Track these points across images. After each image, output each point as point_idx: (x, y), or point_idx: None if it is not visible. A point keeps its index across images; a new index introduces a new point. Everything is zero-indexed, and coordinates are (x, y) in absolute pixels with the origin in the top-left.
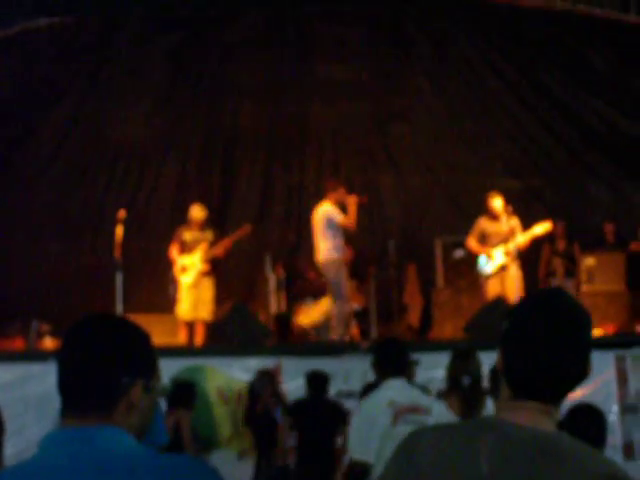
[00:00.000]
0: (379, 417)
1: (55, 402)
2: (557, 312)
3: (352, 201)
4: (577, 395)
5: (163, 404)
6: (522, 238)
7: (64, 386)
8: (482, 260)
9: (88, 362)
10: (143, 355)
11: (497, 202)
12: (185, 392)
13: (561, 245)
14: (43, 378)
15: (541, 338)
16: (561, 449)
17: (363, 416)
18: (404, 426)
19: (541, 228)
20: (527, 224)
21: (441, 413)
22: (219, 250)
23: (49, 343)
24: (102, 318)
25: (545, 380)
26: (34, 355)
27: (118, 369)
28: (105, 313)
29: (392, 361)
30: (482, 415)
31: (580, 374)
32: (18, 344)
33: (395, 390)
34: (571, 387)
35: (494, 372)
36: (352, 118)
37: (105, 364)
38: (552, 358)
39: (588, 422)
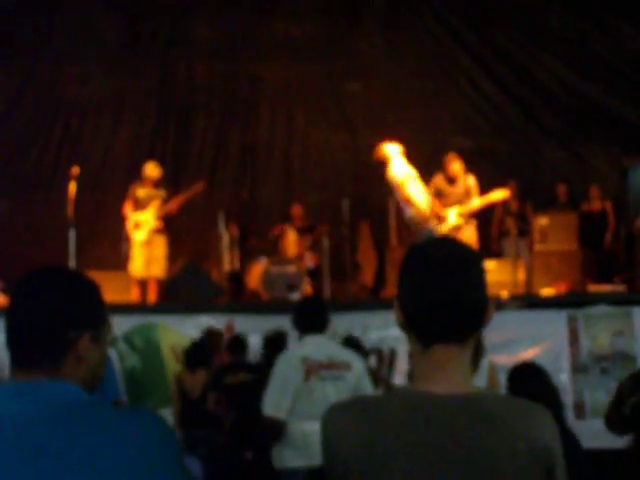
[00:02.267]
0: (291, 373)
1: (4, 357)
2: (446, 248)
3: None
4: (529, 354)
5: None
6: (478, 202)
7: (11, 341)
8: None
9: (33, 315)
10: (91, 306)
11: (455, 165)
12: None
13: (514, 205)
14: None
15: (434, 272)
16: (486, 411)
17: (276, 373)
18: (318, 382)
19: (498, 194)
20: (480, 183)
21: (361, 369)
22: (172, 206)
23: (0, 299)
24: (49, 271)
25: (451, 311)
26: None
27: (64, 321)
28: (53, 266)
29: (310, 318)
30: None
31: (479, 303)
32: None
33: (311, 346)
34: (474, 319)
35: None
36: (306, 77)
37: (51, 317)
38: (454, 285)
39: (530, 381)
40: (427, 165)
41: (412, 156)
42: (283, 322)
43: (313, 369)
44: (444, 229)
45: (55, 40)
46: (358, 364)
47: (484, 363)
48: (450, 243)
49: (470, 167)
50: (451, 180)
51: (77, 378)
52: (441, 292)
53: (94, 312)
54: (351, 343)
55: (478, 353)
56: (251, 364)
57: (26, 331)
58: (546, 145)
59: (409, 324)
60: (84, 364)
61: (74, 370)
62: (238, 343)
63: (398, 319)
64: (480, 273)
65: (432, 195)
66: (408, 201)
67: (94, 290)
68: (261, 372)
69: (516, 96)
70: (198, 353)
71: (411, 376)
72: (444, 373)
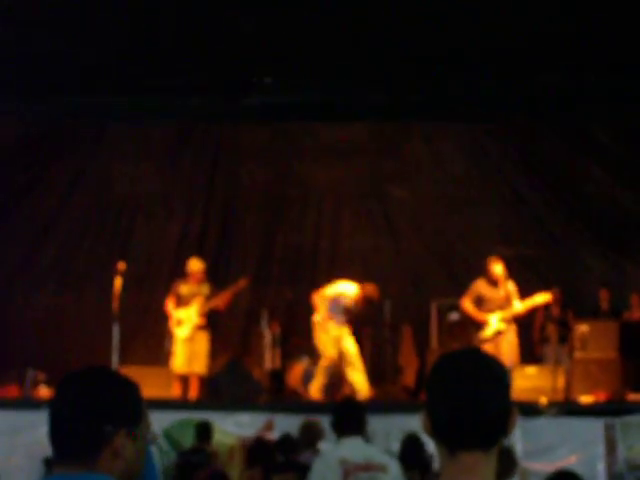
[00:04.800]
0: (329, 475)
1: (47, 450)
2: (474, 359)
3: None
4: (566, 462)
5: None
6: (521, 307)
7: (53, 435)
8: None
9: (72, 412)
10: (128, 403)
11: (498, 267)
12: None
13: (555, 311)
14: (36, 426)
15: (463, 380)
16: None
17: (314, 474)
18: None
19: (541, 298)
20: (521, 290)
21: (398, 472)
22: (219, 303)
23: (44, 392)
24: (90, 370)
25: (475, 419)
26: (28, 403)
27: (101, 418)
28: (94, 366)
29: (348, 420)
30: None
31: (504, 410)
32: (13, 392)
33: (349, 448)
34: (499, 427)
35: (409, 440)
36: (352, 180)
37: (88, 411)
38: (477, 395)
39: None
40: (468, 272)
41: (454, 262)
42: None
43: (350, 471)
44: (487, 334)
45: (106, 139)
46: (394, 467)
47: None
48: (477, 354)
49: (510, 274)
50: (493, 283)
51: (113, 473)
52: (466, 401)
53: (131, 409)
54: (412, 442)
55: (510, 463)
56: (300, 463)
57: (65, 424)
58: (587, 254)
59: (435, 430)
60: (120, 459)
61: (110, 464)
62: (288, 442)
63: (424, 424)
64: (505, 383)
65: (472, 301)
66: None
67: (132, 388)
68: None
69: (556, 204)
70: (259, 450)
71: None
72: (469, 478)
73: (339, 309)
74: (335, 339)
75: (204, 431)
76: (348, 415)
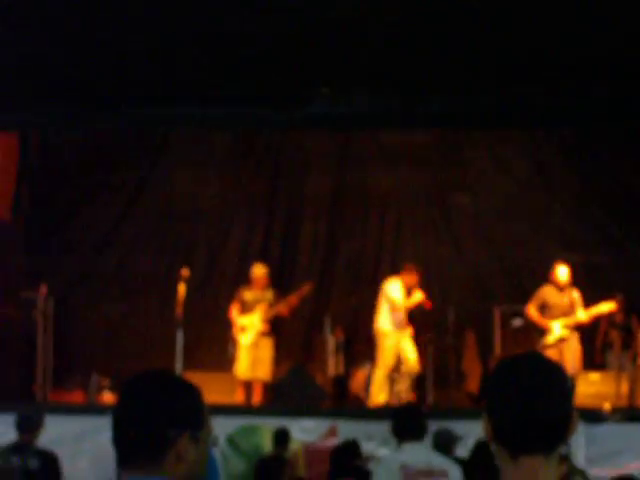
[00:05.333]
0: None
1: (112, 455)
2: (535, 364)
3: (418, 296)
4: (630, 468)
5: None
6: (585, 315)
7: (116, 439)
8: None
9: (136, 414)
10: (190, 407)
11: (563, 273)
12: None
13: (619, 317)
14: (101, 432)
15: (525, 385)
16: None
17: (376, 479)
18: None
19: (605, 307)
20: (585, 296)
21: (459, 477)
22: (283, 308)
23: (108, 397)
24: (153, 374)
25: (537, 424)
26: (93, 409)
27: (164, 422)
28: (157, 370)
29: (408, 425)
30: None
31: (565, 416)
32: (78, 397)
33: (409, 453)
34: (560, 432)
35: (479, 446)
36: (414, 186)
37: (152, 416)
38: (539, 400)
39: None
40: (530, 278)
41: (517, 269)
42: (384, 428)
43: (411, 476)
44: (550, 341)
45: (169, 147)
46: (455, 471)
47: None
48: (538, 359)
49: (575, 281)
50: (558, 288)
51: (176, 476)
52: (528, 406)
53: (194, 413)
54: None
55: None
56: (362, 469)
57: (129, 429)
58: None
59: (496, 435)
60: (183, 463)
61: (173, 468)
62: (350, 448)
63: (486, 430)
64: (566, 388)
65: (537, 308)
66: None
67: (195, 393)
68: None
69: (620, 211)
70: (343, 459)
71: None
72: None
73: (395, 314)
74: (394, 345)
75: (282, 437)
76: (408, 421)
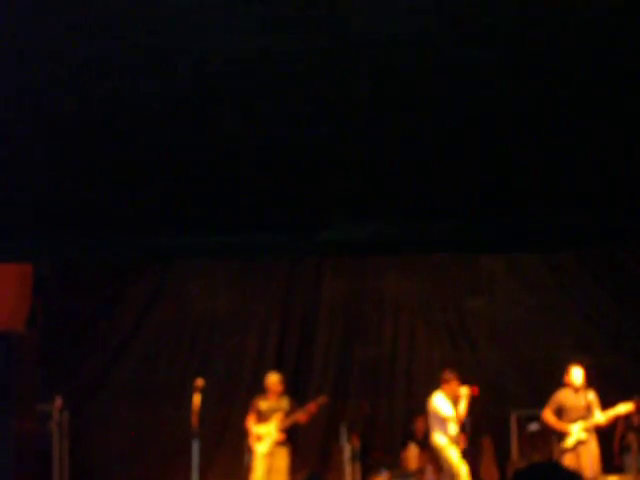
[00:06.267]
0: None
1: None
2: (551, 473)
3: (464, 393)
4: None
5: None
6: (603, 417)
7: None
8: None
9: None
10: None
11: (578, 373)
12: None
13: (636, 420)
14: None
15: None
16: None
17: None
18: None
19: (623, 408)
20: (601, 399)
21: None
22: (302, 416)
23: None
24: None
25: None
26: None
27: None
28: None
29: None
30: None
31: None
32: None
33: None
34: None
35: None
36: (428, 292)
37: None
38: None
39: None
40: (546, 381)
41: (533, 372)
42: None
43: None
44: (568, 444)
45: (181, 259)
46: None
47: None
48: (553, 468)
49: (590, 384)
50: (574, 390)
51: None
52: None
53: None
54: None
55: None
56: None
57: None
58: None
59: None
60: None
61: None
62: None
63: None
64: None
65: (554, 412)
66: None
67: None
68: None
69: (634, 313)
70: None
71: None
72: None
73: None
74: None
75: None
76: None
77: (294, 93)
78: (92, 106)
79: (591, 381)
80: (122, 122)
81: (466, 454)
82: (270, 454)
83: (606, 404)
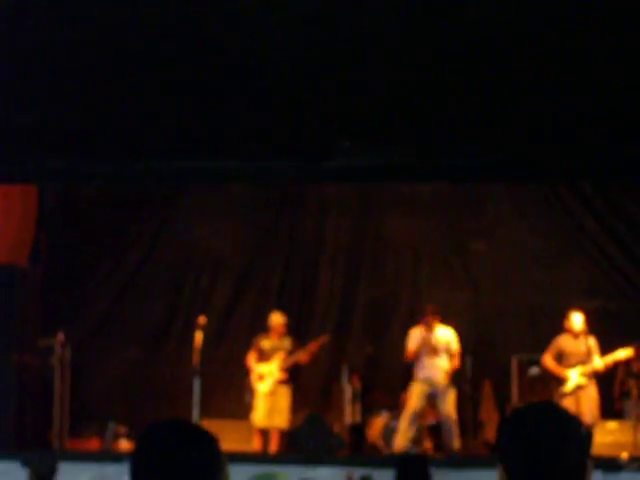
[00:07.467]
0: None
1: None
2: (548, 413)
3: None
4: None
5: None
6: (602, 362)
7: None
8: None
9: (153, 465)
10: (207, 456)
11: (578, 319)
12: None
13: (636, 366)
14: (118, 479)
15: (538, 435)
16: None
17: None
18: None
19: (622, 353)
20: (602, 344)
21: None
22: (304, 356)
23: (125, 445)
24: (169, 424)
25: (551, 474)
26: (109, 456)
27: (181, 471)
28: (173, 419)
29: (411, 477)
30: None
31: (580, 465)
32: (94, 445)
33: None
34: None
35: None
36: (431, 234)
37: (168, 466)
38: (552, 449)
39: None
40: (549, 325)
41: (535, 317)
42: None
43: None
44: (567, 389)
45: (186, 198)
46: None
47: None
48: (550, 408)
49: (594, 328)
50: (574, 336)
51: None
52: (541, 455)
53: (210, 462)
54: None
55: None
56: None
57: (146, 477)
58: None
59: None
60: None
61: None
62: None
63: (501, 478)
64: (579, 438)
65: (553, 357)
66: None
67: (211, 442)
68: None
69: (638, 258)
70: None
71: None
72: None
73: None
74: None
75: None
76: (412, 471)
77: (301, 21)
78: (95, 33)
79: (594, 325)
80: (127, 46)
81: (467, 397)
82: (271, 393)
83: (610, 349)
